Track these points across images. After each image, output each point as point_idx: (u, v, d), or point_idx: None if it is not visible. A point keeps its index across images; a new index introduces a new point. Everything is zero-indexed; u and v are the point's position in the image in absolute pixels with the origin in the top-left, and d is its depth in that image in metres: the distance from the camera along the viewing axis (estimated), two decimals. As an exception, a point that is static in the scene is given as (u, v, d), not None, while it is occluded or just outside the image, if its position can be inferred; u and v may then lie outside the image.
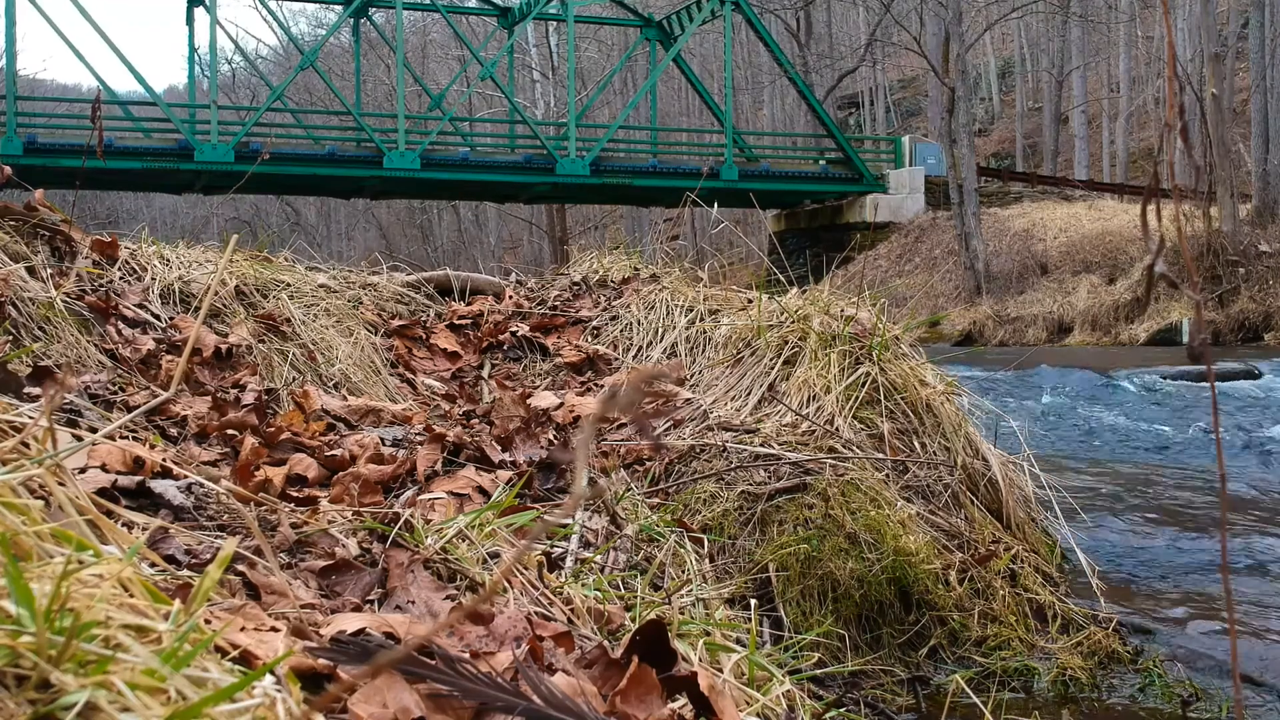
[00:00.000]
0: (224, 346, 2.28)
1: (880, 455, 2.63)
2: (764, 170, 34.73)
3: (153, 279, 2.33)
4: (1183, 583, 3.39)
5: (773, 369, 2.76)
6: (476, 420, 2.60)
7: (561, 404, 2.66)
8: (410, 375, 2.69)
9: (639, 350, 2.99)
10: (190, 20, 35.10)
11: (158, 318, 2.24)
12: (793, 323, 2.84)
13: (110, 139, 29.78)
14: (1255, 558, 3.77)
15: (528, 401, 2.68)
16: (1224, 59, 24.03)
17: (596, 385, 2.81)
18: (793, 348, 2.79)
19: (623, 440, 2.54)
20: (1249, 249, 22.23)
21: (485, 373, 2.87)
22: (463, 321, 3.01)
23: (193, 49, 36.25)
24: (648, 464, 2.52)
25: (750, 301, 3.11)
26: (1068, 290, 26.02)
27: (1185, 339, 22.12)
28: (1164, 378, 9.72)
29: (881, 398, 2.72)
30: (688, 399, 2.73)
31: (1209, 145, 23.19)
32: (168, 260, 2.46)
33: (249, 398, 2.29)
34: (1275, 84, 23.11)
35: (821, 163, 35.78)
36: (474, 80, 39.42)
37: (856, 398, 2.71)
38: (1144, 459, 6.07)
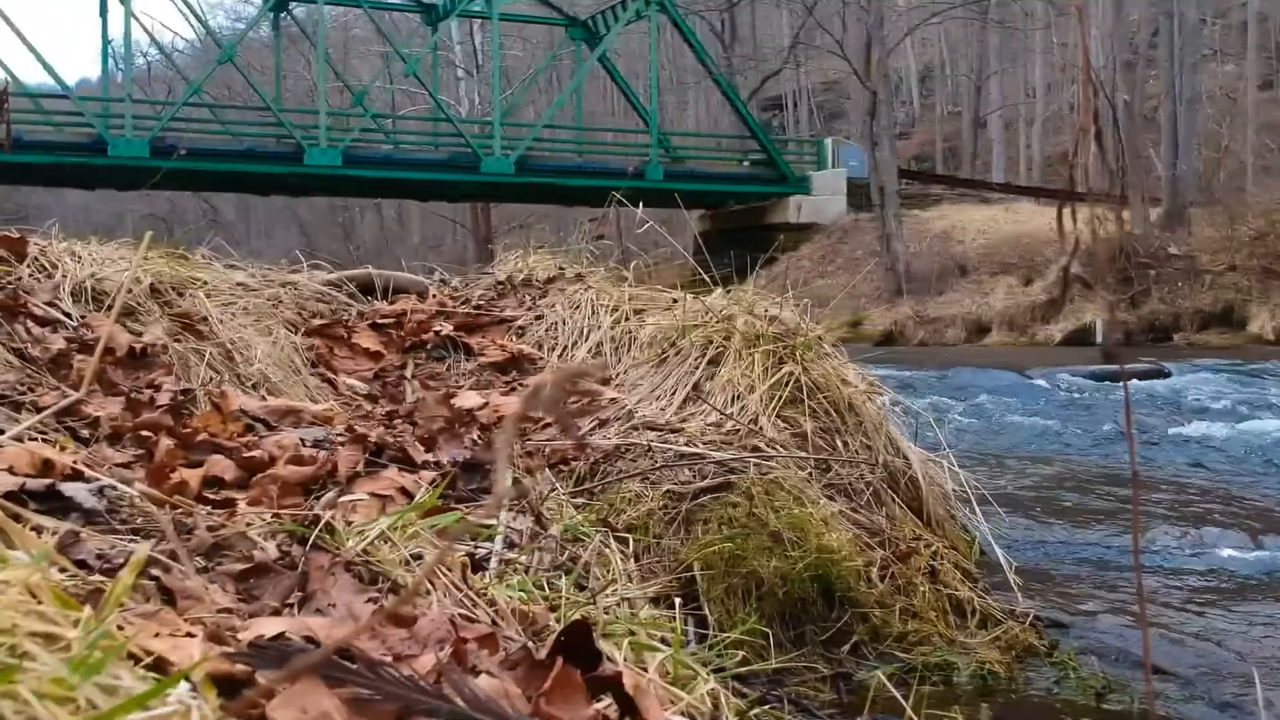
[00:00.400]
0: (138, 346, 2.22)
1: (803, 454, 2.65)
2: (689, 171, 34.87)
3: (64, 276, 2.27)
4: (1097, 577, 3.47)
5: (697, 368, 2.77)
6: (399, 420, 2.57)
7: (486, 404, 2.64)
8: (331, 375, 2.65)
9: (564, 350, 2.98)
10: (104, 12, 34.26)
11: (69, 316, 2.18)
12: (717, 323, 2.86)
13: (20, 132, 28.96)
14: (1166, 552, 3.88)
15: (451, 401, 2.65)
16: (1135, 67, 24.66)
17: (521, 385, 2.80)
18: (717, 347, 2.80)
19: (547, 440, 2.54)
20: (1159, 252, 22.84)
21: (408, 373, 2.84)
22: (385, 321, 2.98)
23: (106, 42, 35.38)
24: (573, 464, 2.51)
25: (675, 301, 3.12)
26: (986, 291, 26.53)
27: (1099, 339, 22.66)
28: (1078, 376, 9.95)
29: (804, 397, 2.74)
30: (613, 398, 2.72)
31: (1121, 150, 23.78)
32: (79, 257, 2.40)
33: (164, 398, 2.24)
34: (1184, 92, 23.76)
35: (746, 164, 36.02)
36: (397, 77, 39.06)
37: (780, 397, 2.73)
38: (1059, 456, 6.20)
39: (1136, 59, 24.81)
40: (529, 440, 2.56)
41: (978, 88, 45.89)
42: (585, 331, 3.02)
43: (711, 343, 2.82)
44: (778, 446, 2.60)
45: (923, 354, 22.95)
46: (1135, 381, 9.94)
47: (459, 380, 2.87)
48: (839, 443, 2.77)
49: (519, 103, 42.19)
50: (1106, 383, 9.72)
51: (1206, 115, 28.30)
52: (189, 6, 40.77)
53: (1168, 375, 10.53)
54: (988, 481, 3.77)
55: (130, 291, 2.27)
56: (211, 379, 2.34)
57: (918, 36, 47.22)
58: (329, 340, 2.78)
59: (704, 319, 2.90)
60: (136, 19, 33.36)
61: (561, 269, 3.44)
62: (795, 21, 44.35)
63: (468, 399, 2.66)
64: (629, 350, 2.95)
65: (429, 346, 2.93)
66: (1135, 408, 8.53)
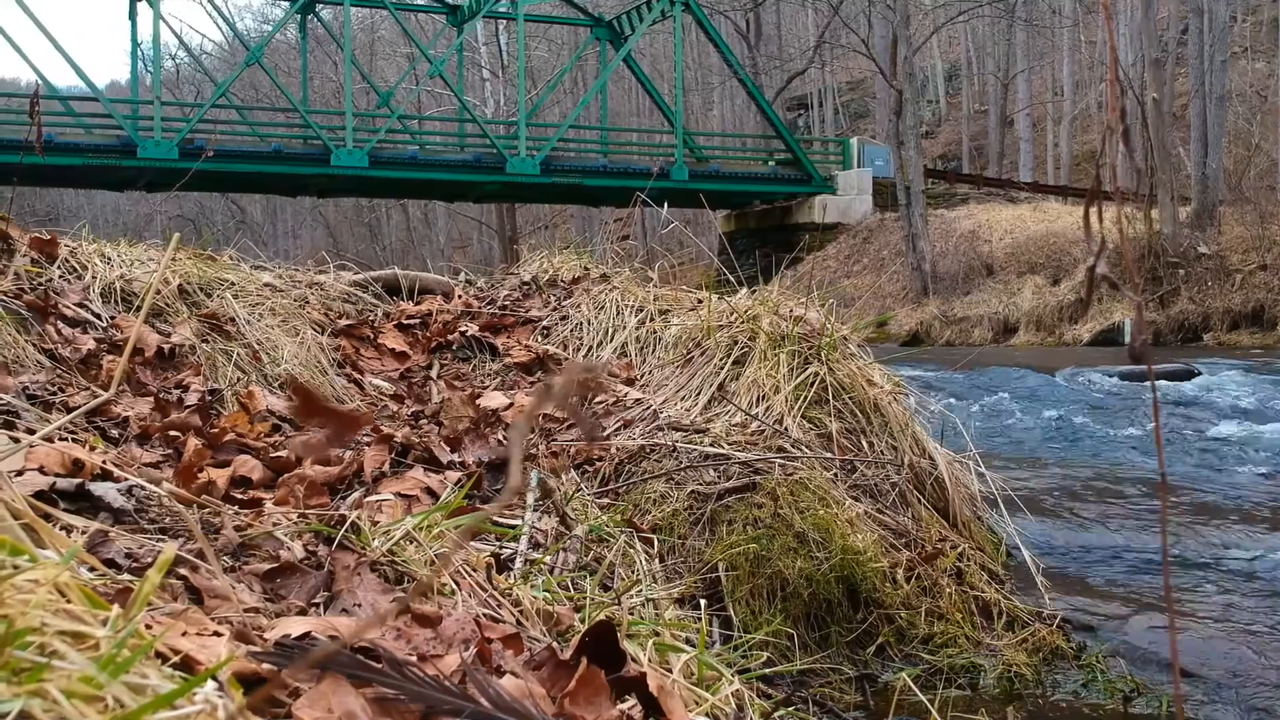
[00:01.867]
0: (166, 346, 2.23)
1: (829, 454, 2.65)
2: (714, 171, 34.82)
3: (93, 278, 2.29)
4: (1126, 579, 3.44)
5: (722, 369, 2.77)
6: (425, 421, 2.58)
7: (511, 404, 2.65)
8: (358, 376, 2.66)
9: (589, 350, 2.98)
10: (133, 15, 34.55)
11: (98, 317, 2.20)
12: (742, 323, 2.85)
13: (50, 134, 29.24)
14: (1194, 554, 3.84)
15: (477, 402, 2.66)
16: (1164, 64, 24.44)
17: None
18: (742, 348, 2.79)
19: (572, 440, 2.54)
20: (1188, 251, 22.62)
21: (434, 373, 2.85)
22: (411, 321, 2.98)
23: (135, 44, 35.66)
24: (598, 464, 2.51)
25: (700, 302, 3.12)
26: (1013, 291, 26.34)
27: (1127, 339, 22.47)
28: (1107, 377, 9.88)
29: (830, 397, 2.73)
30: (638, 399, 2.73)
31: (1149, 149, 23.57)
32: (109, 259, 2.42)
33: (192, 398, 2.26)
34: (1214, 89, 23.53)
35: (771, 164, 35.91)
36: (423, 78, 39.19)
37: (805, 397, 2.72)
38: (1088, 458, 6.15)
39: (1165, 57, 24.57)
40: (554, 440, 2.56)
41: (1005, 86, 45.57)
42: (610, 332, 3.02)
43: (736, 343, 2.81)
44: (803, 447, 2.59)
45: (949, 354, 22.83)
46: (1164, 382, 9.84)
47: (484, 380, 2.88)
48: (864, 444, 2.76)
49: (544, 102, 42.25)
50: (1135, 383, 9.64)
51: (1237, 114, 27.98)
52: (217, 10, 40.97)
53: (1197, 375, 10.41)
54: (1015, 483, 3.74)
55: (159, 293, 2.29)
56: (239, 379, 2.35)
57: (944, 34, 47.03)
58: (355, 340, 2.79)
59: (729, 319, 2.89)
60: (165, 22, 33.58)
61: (587, 269, 3.44)
62: (821, 20, 44.21)
63: (493, 399, 2.66)
64: (654, 350, 2.95)
65: (454, 347, 2.93)
66: (1163, 409, 8.45)
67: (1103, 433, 6.91)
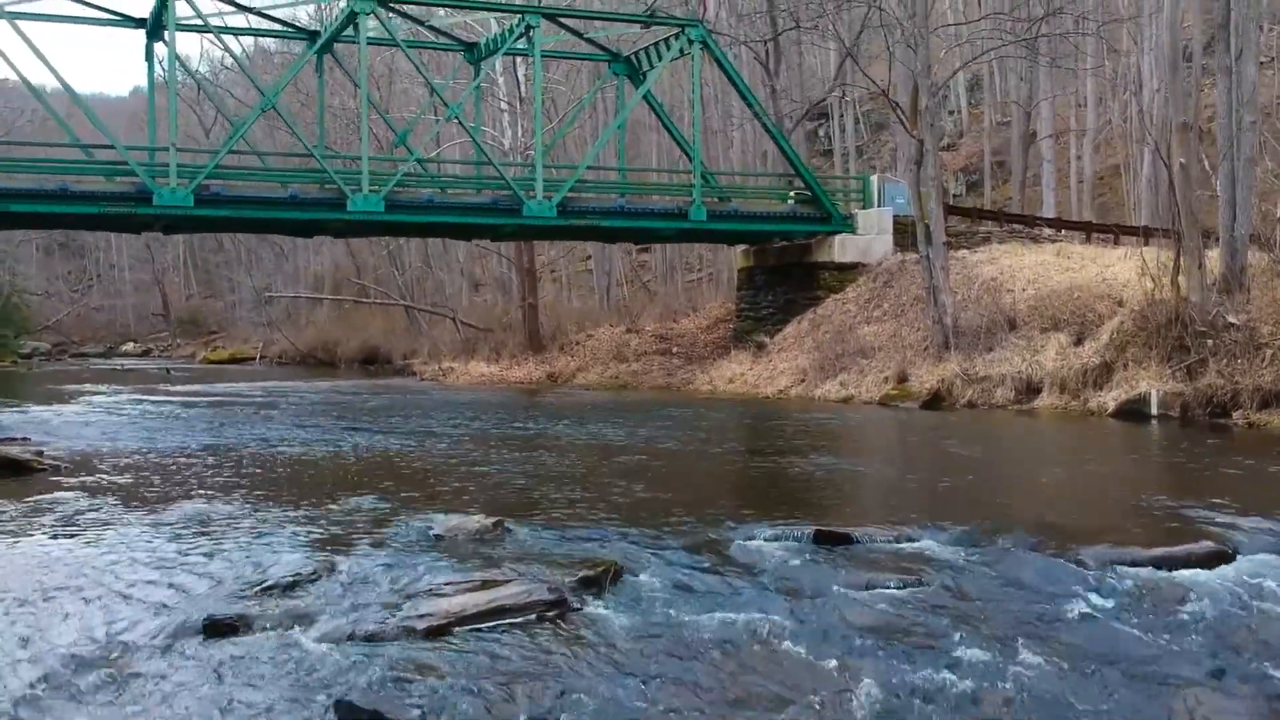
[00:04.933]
0: None
1: None
2: (733, 211, 34.52)
3: None
4: None
5: None
6: None
7: None
8: None
9: None
10: (150, 55, 34.50)
11: None
12: None
13: (65, 183, 29.25)
14: None
15: None
16: (1190, 128, 23.95)
17: None
18: None
19: None
20: (1216, 320, 22.15)
21: None
22: None
23: (153, 85, 35.58)
24: None
25: None
26: (1036, 349, 25.90)
27: (1154, 410, 22.10)
28: (1138, 569, 9.41)
29: None
30: None
31: (1176, 214, 23.10)
32: None
33: None
34: (1242, 151, 23.03)
35: (790, 200, 35.59)
36: (440, 114, 38.95)
37: None
38: None
39: (1192, 122, 24.07)
40: None
41: (1027, 114, 45.07)
42: None
43: None
44: None
45: (969, 424, 22.55)
46: (1189, 575, 9.39)
47: None
48: None
49: (563, 134, 41.93)
50: (1169, 576, 9.21)
51: (1267, 169, 27.39)
52: (237, 59, 40.76)
53: (1231, 558, 9.91)
54: None
55: None
56: None
57: (966, 47, 46.21)
58: None
59: None
60: (183, 64, 33.38)
61: None
62: (842, 48, 43.70)
63: None
64: None
65: None
66: (1186, 627, 8.04)
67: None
